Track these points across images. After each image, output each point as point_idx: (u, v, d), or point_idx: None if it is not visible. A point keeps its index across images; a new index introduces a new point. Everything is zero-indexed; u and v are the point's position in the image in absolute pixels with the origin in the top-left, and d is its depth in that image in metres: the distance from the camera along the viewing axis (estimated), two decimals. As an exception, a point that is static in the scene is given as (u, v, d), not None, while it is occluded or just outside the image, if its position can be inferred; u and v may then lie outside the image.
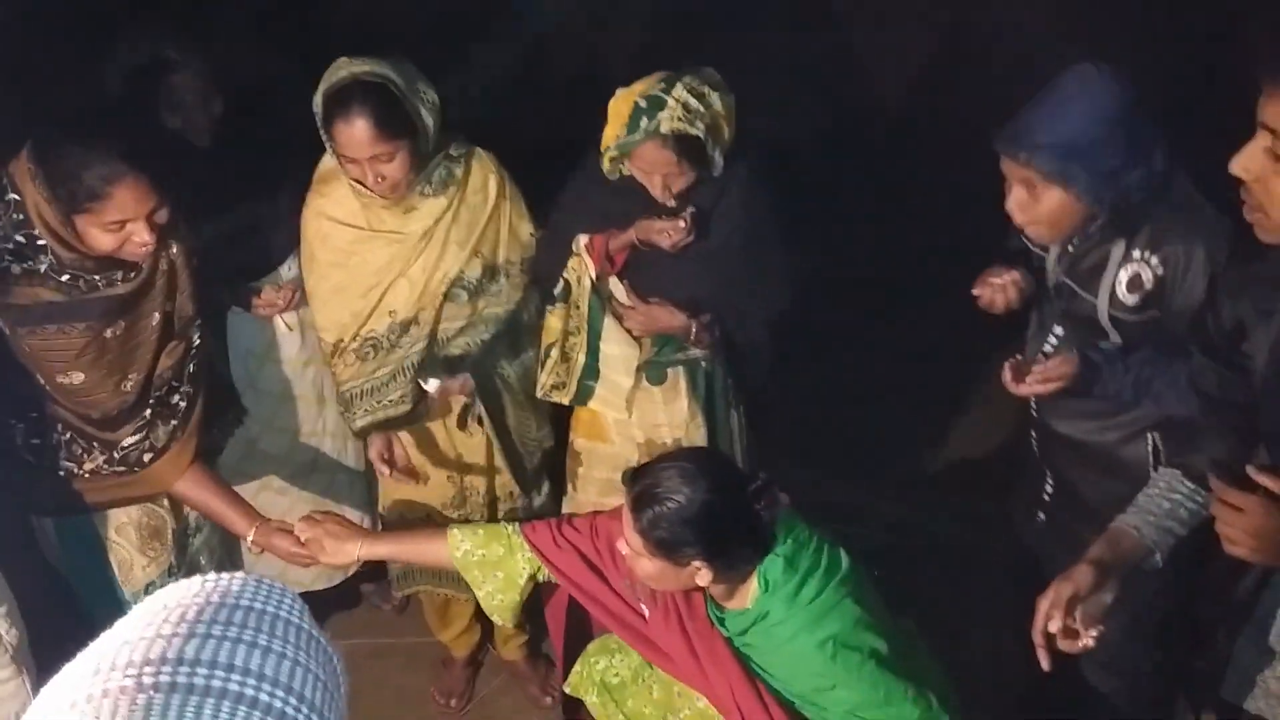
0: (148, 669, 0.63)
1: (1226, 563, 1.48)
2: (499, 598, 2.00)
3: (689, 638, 1.84)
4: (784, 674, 1.77)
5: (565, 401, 2.43)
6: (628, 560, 1.78)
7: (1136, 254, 1.82)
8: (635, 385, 2.36)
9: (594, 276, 2.30)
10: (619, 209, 2.24)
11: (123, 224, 1.79)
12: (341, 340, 2.33)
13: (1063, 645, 1.46)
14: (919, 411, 3.87)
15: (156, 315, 1.97)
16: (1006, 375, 1.88)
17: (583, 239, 2.29)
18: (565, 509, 2.55)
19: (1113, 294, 1.85)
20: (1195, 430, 1.61)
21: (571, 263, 2.31)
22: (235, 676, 0.65)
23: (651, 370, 2.36)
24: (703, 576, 1.71)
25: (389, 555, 2.27)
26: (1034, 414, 2.11)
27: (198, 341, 2.07)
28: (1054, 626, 1.44)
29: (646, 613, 1.89)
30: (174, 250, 1.98)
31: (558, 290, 2.34)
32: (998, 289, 1.99)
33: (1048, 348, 2.00)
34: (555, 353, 2.38)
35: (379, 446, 2.38)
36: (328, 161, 2.29)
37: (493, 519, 2.52)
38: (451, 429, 2.46)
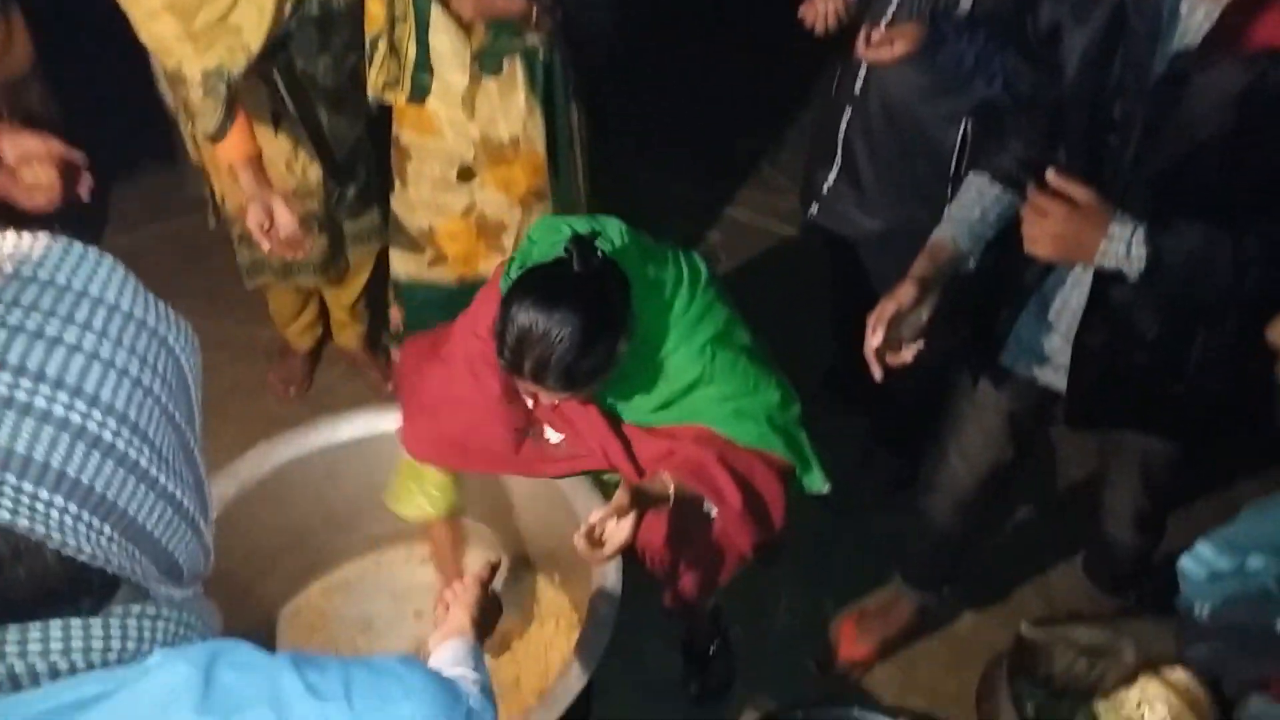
0: None
1: (1020, 255, 1.62)
2: None
3: None
4: (658, 385, 1.80)
5: (401, 101, 2.26)
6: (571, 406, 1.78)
7: None
8: (473, 83, 2.21)
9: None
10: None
11: None
12: (180, 70, 2.03)
13: (889, 360, 1.57)
14: (762, 109, 3.90)
15: None
16: (860, 42, 1.95)
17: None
18: (396, 206, 2.44)
19: None
20: (1006, 129, 1.70)
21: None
22: (5, 377, 0.54)
23: (486, 59, 2.20)
24: (622, 348, 1.68)
25: None
26: (857, 92, 2.16)
27: None
28: (875, 342, 1.54)
29: None
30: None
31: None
32: (819, 14, 2.06)
33: (887, 16, 2.04)
34: (382, 45, 2.18)
35: (258, 215, 2.15)
36: None
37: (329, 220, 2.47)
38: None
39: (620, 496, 1.58)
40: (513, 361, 1.61)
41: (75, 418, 0.56)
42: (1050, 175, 1.46)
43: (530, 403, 1.88)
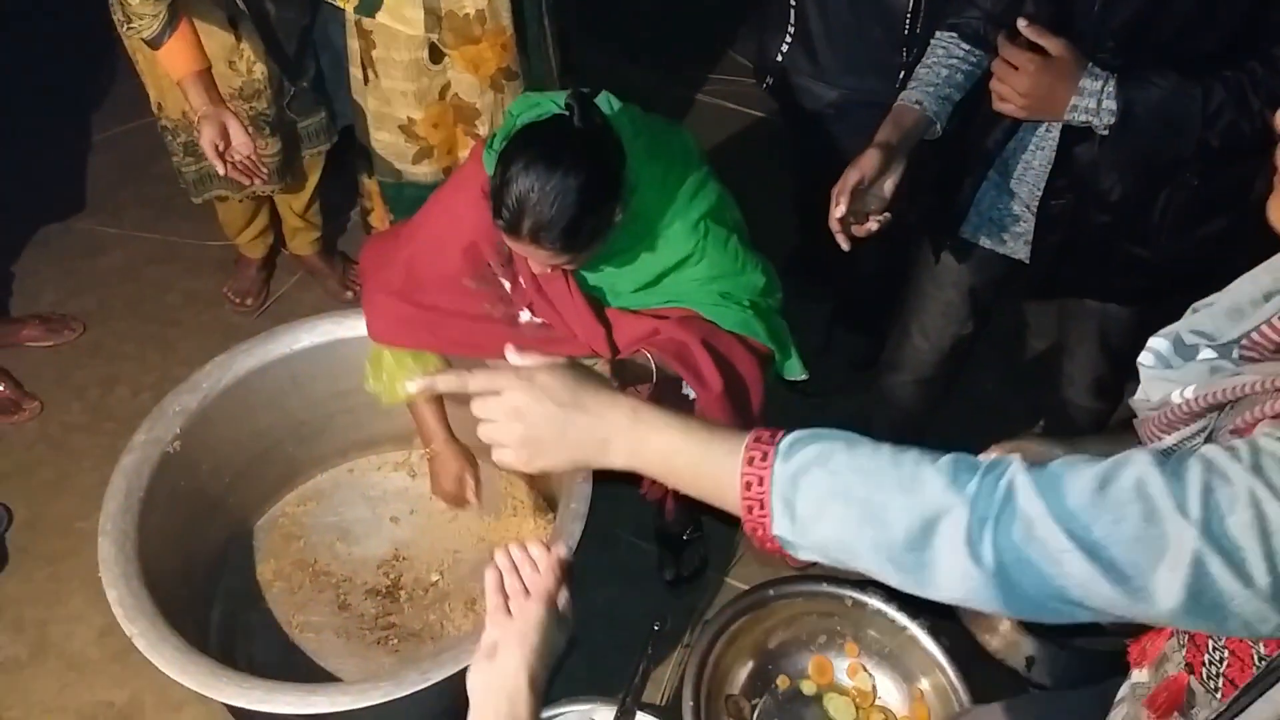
0: None
1: (982, 120, 1.60)
2: None
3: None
4: (649, 260, 1.76)
5: (349, 8, 2.12)
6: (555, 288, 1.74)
7: None
8: None
9: None
10: None
11: None
12: None
13: (855, 231, 1.55)
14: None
15: None
16: None
17: None
18: (368, 100, 2.30)
19: None
20: None
21: None
22: None
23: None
24: (619, 214, 1.63)
25: None
26: None
27: None
28: (839, 213, 1.51)
29: None
30: None
31: None
32: None
33: None
34: None
35: (212, 134, 2.03)
36: None
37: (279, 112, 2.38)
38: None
39: (601, 369, 1.57)
40: (511, 221, 1.54)
41: None
42: (1022, 24, 1.43)
43: (508, 285, 1.84)
